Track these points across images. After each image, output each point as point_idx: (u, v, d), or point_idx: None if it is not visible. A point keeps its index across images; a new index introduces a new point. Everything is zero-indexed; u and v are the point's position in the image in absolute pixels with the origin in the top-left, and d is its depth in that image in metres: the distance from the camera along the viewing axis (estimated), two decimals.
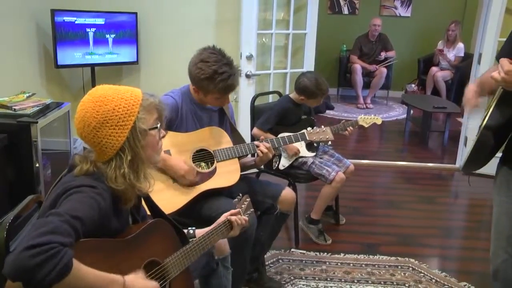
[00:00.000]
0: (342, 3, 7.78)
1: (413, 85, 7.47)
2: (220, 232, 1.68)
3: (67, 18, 3.67)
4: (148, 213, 1.59)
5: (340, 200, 3.32)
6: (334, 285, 2.62)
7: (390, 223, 3.42)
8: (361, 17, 7.66)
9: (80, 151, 1.40)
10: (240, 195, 1.89)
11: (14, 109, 2.85)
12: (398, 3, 7.68)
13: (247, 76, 3.77)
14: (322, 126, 2.51)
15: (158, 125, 1.40)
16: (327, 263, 2.83)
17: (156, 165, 1.47)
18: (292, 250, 2.96)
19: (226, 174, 2.20)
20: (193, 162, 2.17)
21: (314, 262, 2.84)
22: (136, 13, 3.93)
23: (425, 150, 5.36)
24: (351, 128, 2.85)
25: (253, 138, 2.95)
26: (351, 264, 2.83)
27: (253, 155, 2.45)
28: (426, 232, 3.30)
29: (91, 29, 3.79)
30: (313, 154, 3.01)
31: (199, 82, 2.14)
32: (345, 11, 7.83)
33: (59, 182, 1.32)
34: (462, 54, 6.88)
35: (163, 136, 1.45)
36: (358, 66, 6.98)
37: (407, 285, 2.64)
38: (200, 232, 1.67)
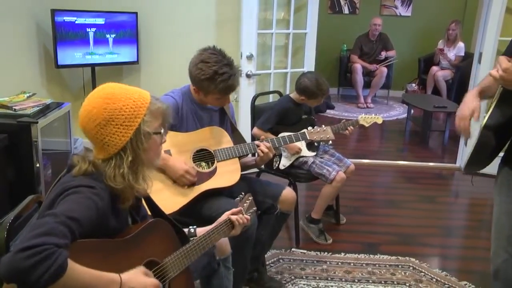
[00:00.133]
0: (342, 2, 7.77)
1: (413, 85, 7.47)
2: (222, 231, 1.67)
3: (67, 18, 3.67)
4: (149, 213, 1.58)
5: (341, 200, 3.32)
6: (334, 284, 2.62)
7: (391, 222, 3.42)
8: (361, 17, 7.66)
9: (81, 151, 1.39)
10: (243, 193, 1.88)
11: (15, 109, 2.85)
12: (399, 3, 7.67)
13: (248, 76, 3.77)
14: (323, 126, 2.51)
15: (162, 131, 1.40)
16: (328, 262, 2.83)
17: (155, 167, 1.46)
18: (293, 249, 2.96)
19: (227, 174, 2.20)
20: (194, 162, 2.17)
21: (315, 261, 2.84)
22: (136, 13, 3.93)
23: (425, 150, 5.35)
24: (351, 127, 2.85)
25: (254, 138, 2.95)
26: (352, 264, 2.83)
27: (253, 155, 2.45)
28: (426, 231, 3.30)
29: (91, 29, 3.79)
30: (314, 153, 3.00)
31: (200, 83, 2.14)
32: (346, 10, 7.83)
33: (58, 183, 1.32)
34: (462, 54, 6.88)
35: (164, 141, 1.45)
36: (358, 66, 6.98)
37: (407, 284, 2.64)
38: (201, 231, 1.67)
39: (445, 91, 6.90)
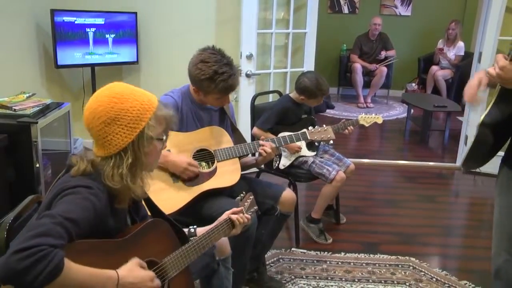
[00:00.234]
0: (342, 2, 7.77)
1: (413, 84, 7.47)
2: (222, 230, 1.67)
3: (67, 18, 3.67)
4: (149, 213, 1.58)
5: (341, 199, 3.32)
6: (334, 284, 2.62)
7: (391, 222, 3.42)
8: (361, 16, 7.66)
9: (80, 151, 1.39)
10: (244, 193, 1.88)
11: (14, 109, 2.85)
12: (398, 2, 7.67)
13: (247, 75, 3.77)
14: (324, 125, 2.50)
15: (164, 138, 1.40)
16: (328, 262, 2.83)
17: (152, 171, 1.46)
18: (293, 249, 2.96)
19: (227, 174, 2.20)
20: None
21: (315, 261, 2.84)
22: (136, 13, 3.93)
23: (425, 149, 5.35)
24: (351, 127, 2.85)
25: (253, 138, 2.95)
26: (352, 263, 2.83)
27: (253, 155, 2.45)
28: (426, 231, 3.30)
29: (91, 29, 3.79)
30: (314, 153, 3.00)
31: (199, 83, 2.13)
32: (345, 10, 7.82)
33: (56, 183, 1.32)
34: (462, 53, 6.88)
35: (164, 148, 1.45)
36: (358, 66, 6.98)
37: (407, 284, 2.64)
38: (201, 230, 1.67)
39: (445, 91, 6.90)
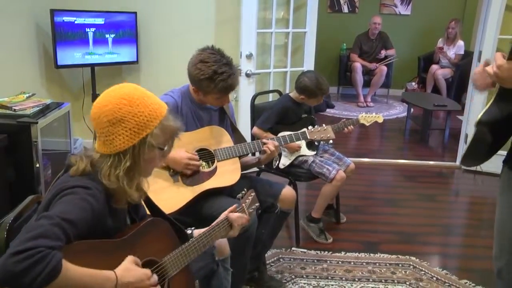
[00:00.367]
0: (342, 1, 7.77)
1: (413, 83, 7.47)
2: (219, 231, 1.66)
3: (67, 18, 3.67)
4: (148, 212, 1.58)
5: (341, 199, 3.32)
6: (335, 283, 2.62)
7: (391, 221, 3.42)
8: (361, 16, 7.66)
9: (80, 151, 1.39)
10: (245, 189, 1.87)
11: (14, 109, 2.85)
12: (398, 1, 7.67)
13: (247, 75, 3.77)
14: (324, 125, 2.50)
15: (165, 148, 1.39)
16: (328, 261, 2.83)
17: (147, 176, 1.45)
18: (293, 249, 2.96)
19: (227, 174, 2.20)
20: None
21: (315, 260, 2.84)
22: (135, 13, 3.93)
23: (425, 148, 5.35)
24: (351, 126, 2.85)
25: (253, 137, 2.95)
26: (352, 263, 2.83)
27: (253, 154, 2.45)
28: (426, 230, 3.30)
29: (91, 29, 3.79)
30: (314, 153, 3.00)
31: (199, 83, 2.13)
32: (345, 9, 7.82)
33: (55, 183, 1.32)
34: (462, 52, 6.88)
35: (165, 156, 1.43)
36: (358, 65, 6.97)
37: (408, 283, 2.64)
38: (199, 232, 1.67)
39: (445, 90, 6.90)
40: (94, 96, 3.98)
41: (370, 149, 5.25)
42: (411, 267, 2.80)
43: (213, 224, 1.67)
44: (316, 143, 2.97)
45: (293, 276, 2.68)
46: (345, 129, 2.84)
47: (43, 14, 3.66)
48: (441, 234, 3.28)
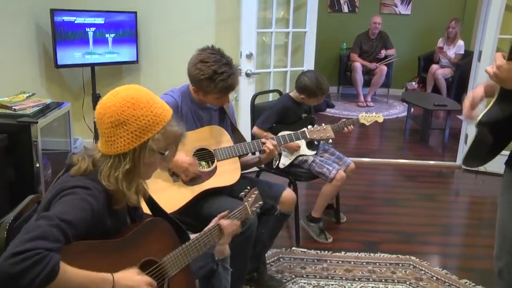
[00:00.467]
0: (342, 1, 7.77)
1: (413, 83, 7.47)
2: (211, 237, 1.61)
3: (67, 18, 3.67)
4: (149, 212, 1.58)
5: (341, 198, 3.32)
6: (335, 283, 2.62)
7: (391, 221, 3.42)
8: (361, 15, 7.66)
9: (80, 151, 1.39)
10: (248, 188, 1.87)
11: (14, 109, 2.85)
12: (398, 1, 7.66)
13: (247, 75, 3.77)
14: (323, 124, 2.50)
15: (166, 153, 1.38)
16: (328, 261, 2.83)
17: (146, 179, 1.45)
18: (293, 248, 2.96)
19: (227, 173, 2.20)
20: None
21: (315, 260, 2.84)
22: (135, 12, 3.93)
23: (425, 148, 5.35)
24: (351, 126, 2.85)
25: (253, 137, 2.95)
26: (352, 262, 2.83)
27: (253, 154, 2.44)
28: (426, 229, 3.30)
29: (91, 28, 3.79)
30: (314, 152, 3.00)
31: (199, 83, 2.13)
32: (345, 9, 7.82)
33: (56, 183, 1.32)
34: (462, 52, 6.88)
35: (166, 161, 1.43)
36: (358, 64, 6.97)
37: (408, 283, 2.64)
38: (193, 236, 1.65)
39: (445, 89, 6.89)
40: (94, 96, 3.98)
41: (370, 148, 5.25)
42: (411, 266, 2.80)
43: (204, 230, 1.62)
44: (316, 142, 2.97)
45: (293, 276, 2.68)
46: (345, 128, 2.84)
47: (43, 13, 3.66)
48: (441, 234, 3.28)
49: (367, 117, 2.91)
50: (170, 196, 2.07)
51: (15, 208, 1.48)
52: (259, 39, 3.90)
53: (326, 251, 2.94)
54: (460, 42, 6.87)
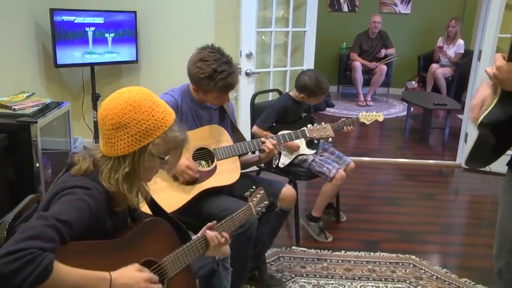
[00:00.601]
0: (341, 0, 7.77)
1: (413, 82, 7.47)
2: (195, 249, 1.54)
3: (66, 18, 3.66)
4: (149, 212, 1.58)
5: (341, 198, 3.32)
6: (335, 282, 2.62)
7: (391, 220, 3.42)
8: (360, 15, 7.66)
9: (80, 151, 1.39)
10: (254, 187, 1.86)
11: (14, 109, 2.85)
12: (398, 0, 7.66)
13: (247, 74, 3.77)
14: (323, 123, 2.50)
15: (166, 158, 1.37)
16: (328, 260, 2.83)
17: (147, 182, 1.45)
18: (293, 247, 2.96)
19: (227, 172, 2.20)
20: (194, 161, 2.16)
21: (315, 259, 2.84)
22: (135, 12, 3.93)
23: (425, 147, 5.35)
24: (351, 126, 2.85)
25: (253, 136, 2.95)
26: (352, 262, 2.83)
27: (253, 153, 2.44)
28: (426, 229, 3.30)
29: (90, 28, 3.79)
30: (313, 151, 3.00)
31: (199, 81, 2.13)
32: (345, 8, 7.82)
33: (56, 182, 1.32)
34: (462, 51, 6.88)
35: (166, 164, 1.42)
36: (358, 64, 6.97)
37: (408, 282, 2.64)
38: None
39: (445, 89, 6.90)
40: (94, 96, 3.98)
41: (370, 148, 5.25)
42: (411, 265, 2.80)
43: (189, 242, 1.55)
44: (315, 141, 2.97)
45: (293, 275, 2.68)
46: (345, 128, 2.84)
47: (43, 13, 3.66)
48: (441, 233, 3.28)
49: (367, 116, 2.91)
50: (170, 195, 2.07)
51: (15, 208, 1.48)
52: (258, 39, 3.90)
53: (326, 250, 2.94)
54: (460, 41, 6.87)
